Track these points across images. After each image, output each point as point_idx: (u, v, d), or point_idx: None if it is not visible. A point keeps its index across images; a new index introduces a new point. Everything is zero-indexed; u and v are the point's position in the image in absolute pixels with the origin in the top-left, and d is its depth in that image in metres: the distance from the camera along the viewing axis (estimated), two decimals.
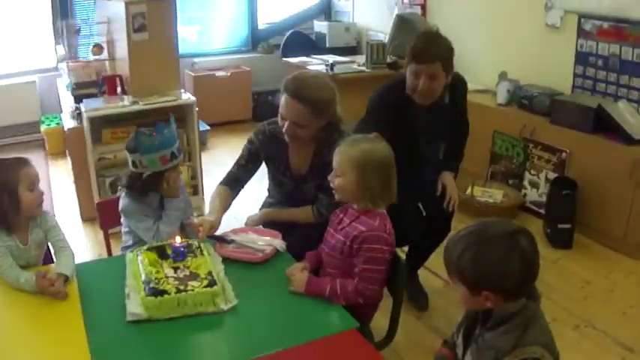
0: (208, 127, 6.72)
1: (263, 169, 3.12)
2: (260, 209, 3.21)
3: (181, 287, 2.16)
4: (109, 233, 3.17)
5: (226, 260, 2.48)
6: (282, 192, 3.13)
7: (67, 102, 5.11)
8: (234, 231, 2.77)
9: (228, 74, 7.37)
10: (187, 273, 2.27)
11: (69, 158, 5.86)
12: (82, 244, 4.51)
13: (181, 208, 2.84)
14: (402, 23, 6.28)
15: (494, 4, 5.91)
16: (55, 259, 2.54)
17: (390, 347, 2.53)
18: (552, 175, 4.96)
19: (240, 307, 2.20)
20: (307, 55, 6.73)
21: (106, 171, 4.61)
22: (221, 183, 3.02)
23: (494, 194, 5.28)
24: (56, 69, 6.53)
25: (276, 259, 2.57)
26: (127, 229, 2.88)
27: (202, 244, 2.48)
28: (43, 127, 6.70)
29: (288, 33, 7.74)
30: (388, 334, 2.50)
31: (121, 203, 2.82)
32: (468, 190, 5.22)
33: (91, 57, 5.22)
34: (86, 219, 4.87)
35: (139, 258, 2.35)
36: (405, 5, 6.97)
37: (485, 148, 5.54)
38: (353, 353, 2.07)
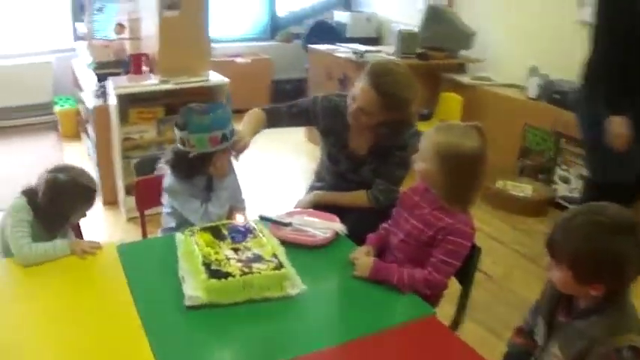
0: None
1: (308, 154, 2.95)
2: (306, 194, 3.03)
3: (246, 269, 1.97)
4: (144, 215, 2.96)
5: (283, 243, 2.27)
6: (336, 172, 2.94)
7: (89, 81, 4.93)
8: (290, 213, 2.58)
9: (249, 61, 7.19)
10: (250, 255, 2.08)
11: (84, 140, 5.72)
12: (102, 229, 4.32)
13: (231, 187, 2.66)
14: (434, 15, 6.10)
15: None
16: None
17: None
18: (585, 171, 4.81)
19: (306, 293, 2.02)
20: (331, 44, 6.53)
21: (131, 152, 4.43)
22: (261, 108, 2.88)
23: (524, 188, 5.16)
24: (72, 49, 6.36)
25: (337, 243, 2.39)
26: (169, 210, 2.69)
27: (257, 225, 2.30)
28: (56, 108, 6.49)
29: (312, 21, 7.58)
30: (455, 321, 2.35)
31: (166, 181, 2.62)
32: (499, 183, 5.11)
33: (114, 36, 5.05)
34: (107, 203, 4.68)
35: (193, 239, 2.17)
36: None
37: (516, 141, 5.39)
38: (436, 341, 1.92)
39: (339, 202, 2.82)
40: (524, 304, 2.04)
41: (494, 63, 6.03)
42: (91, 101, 4.69)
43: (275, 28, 7.88)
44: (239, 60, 7.15)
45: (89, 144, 5.40)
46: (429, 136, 2.22)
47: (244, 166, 2.75)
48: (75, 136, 6.27)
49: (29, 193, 2.42)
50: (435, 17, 6.07)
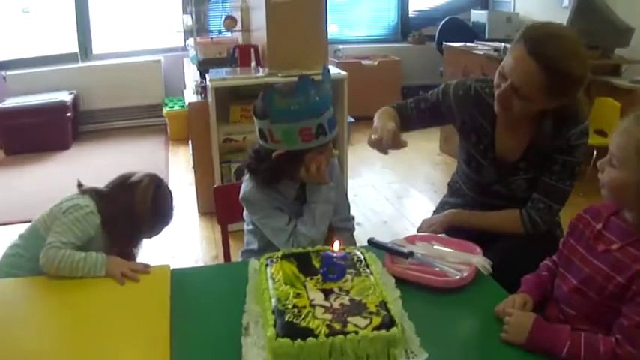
0: (352, 120, 5.89)
1: (442, 166, 2.24)
2: (434, 213, 2.32)
3: (337, 326, 1.29)
4: (227, 230, 2.38)
5: (400, 282, 1.60)
6: (478, 183, 2.21)
7: (192, 77, 4.54)
8: (411, 239, 1.88)
9: (376, 63, 6.71)
10: (347, 301, 1.39)
11: (191, 144, 5.33)
12: (195, 242, 3.88)
13: (332, 200, 1.97)
14: (585, 5, 5.25)
15: None
16: None
17: None
18: None
19: None
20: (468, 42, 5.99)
21: (233, 156, 3.95)
22: (392, 106, 2.23)
23: None
24: (184, 49, 6.13)
25: (477, 286, 1.67)
26: (250, 227, 2.06)
27: (365, 255, 1.61)
28: (165, 110, 6.26)
29: (445, 19, 7.07)
30: None
31: (243, 189, 1.98)
32: None
33: (223, 30, 4.69)
34: (204, 212, 4.23)
35: (270, 270, 1.53)
36: None
37: None
38: None
39: (481, 225, 2.09)
40: None
41: None
42: (190, 97, 4.30)
43: (406, 29, 7.44)
44: (365, 62, 6.68)
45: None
46: (628, 130, 1.44)
47: (354, 175, 2.08)
48: (184, 139, 5.91)
49: (99, 198, 1.97)
50: (586, 9, 5.25)
